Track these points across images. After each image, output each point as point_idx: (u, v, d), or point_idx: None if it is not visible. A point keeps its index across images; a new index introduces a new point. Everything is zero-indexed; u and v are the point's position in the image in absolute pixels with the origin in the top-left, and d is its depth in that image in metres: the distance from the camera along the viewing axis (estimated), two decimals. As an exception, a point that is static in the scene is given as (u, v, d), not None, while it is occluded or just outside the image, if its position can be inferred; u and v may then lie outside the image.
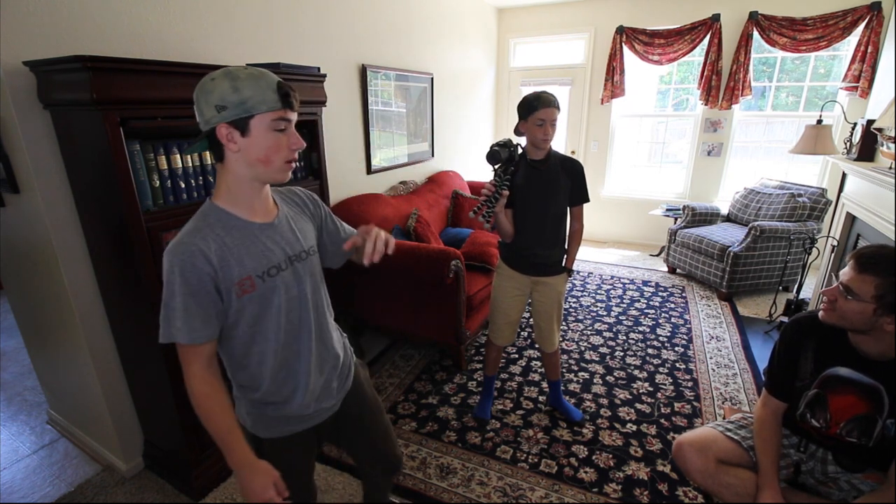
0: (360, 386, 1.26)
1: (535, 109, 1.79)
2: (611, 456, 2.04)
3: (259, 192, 0.98)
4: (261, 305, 0.97)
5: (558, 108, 1.82)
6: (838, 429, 1.27)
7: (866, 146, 2.99)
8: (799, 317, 1.40)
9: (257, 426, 1.08)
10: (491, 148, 1.71)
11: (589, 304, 3.60)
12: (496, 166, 1.74)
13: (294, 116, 0.94)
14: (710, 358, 2.83)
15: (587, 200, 2.00)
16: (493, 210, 1.68)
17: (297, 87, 2.07)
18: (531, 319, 2.26)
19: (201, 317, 0.91)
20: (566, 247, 2.06)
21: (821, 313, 1.29)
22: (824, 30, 3.76)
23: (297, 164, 2.14)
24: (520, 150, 1.88)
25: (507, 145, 1.74)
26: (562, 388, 2.38)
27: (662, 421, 2.26)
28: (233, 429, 0.95)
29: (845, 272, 1.23)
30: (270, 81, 0.89)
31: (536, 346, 2.92)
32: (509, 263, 2.07)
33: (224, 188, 0.96)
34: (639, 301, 3.64)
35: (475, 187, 4.09)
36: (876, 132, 2.83)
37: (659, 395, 2.46)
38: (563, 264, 2.05)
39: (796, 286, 3.32)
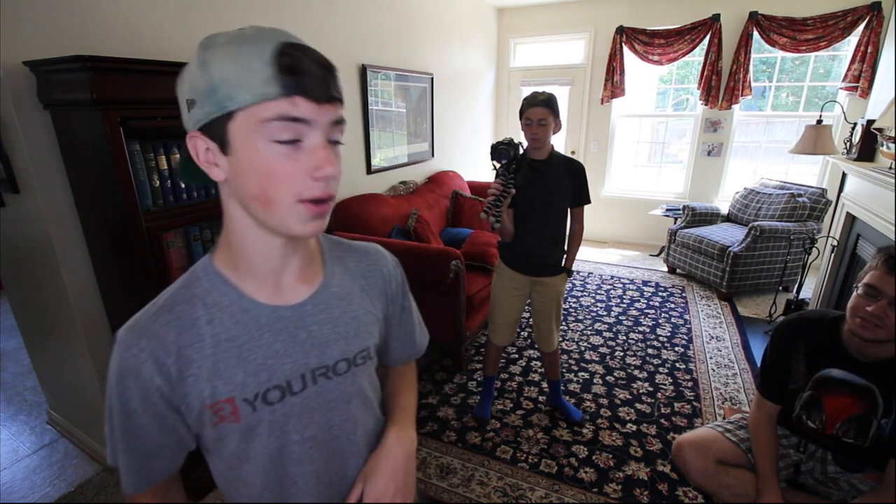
0: None
1: (524, 109, 1.83)
2: (611, 456, 2.04)
3: (275, 250, 0.59)
4: (247, 444, 0.61)
5: (549, 106, 1.79)
6: (834, 429, 1.28)
7: (866, 146, 2.99)
8: (789, 319, 1.39)
9: None
10: (497, 146, 1.72)
11: (589, 304, 3.60)
12: (501, 165, 1.75)
13: (318, 113, 0.51)
14: (710, 358, 2.83)
15: (588, 202, 2.00)
16: (501, 209, 1.69)
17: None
18: (531, 319, 2.26)
19: (141, 452, 0.60)
20: (566, 247, 2.06)
21: (859, 329, 1.17)
22: (824, 30, 3.76)
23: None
24: (521, 150, 1.89)
25: (510, 143, 1.75)
26: (562, 387, 2.38)
27: (662, 421, 2.26)
28: None
29: (892, 283, 1.12)
30: (263, 47, 0.49)
31: (536, 346, 2.92)
32: (508, 263, 2.07)
33: (224, 239, 0.61)
34: (639, 301, 3.64)
35: (475, 187, 4.09)
36: (876, 132, 2.83)
37: (659, 395, 2.46)
38: (563, 265, 2.06)
39: (796, 286, 3.32)
